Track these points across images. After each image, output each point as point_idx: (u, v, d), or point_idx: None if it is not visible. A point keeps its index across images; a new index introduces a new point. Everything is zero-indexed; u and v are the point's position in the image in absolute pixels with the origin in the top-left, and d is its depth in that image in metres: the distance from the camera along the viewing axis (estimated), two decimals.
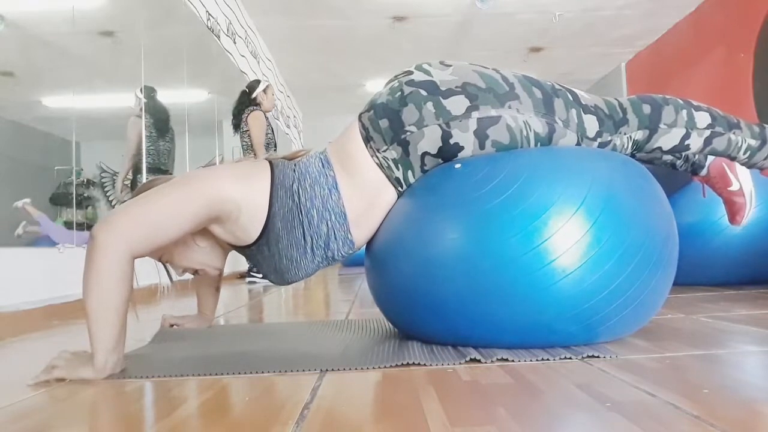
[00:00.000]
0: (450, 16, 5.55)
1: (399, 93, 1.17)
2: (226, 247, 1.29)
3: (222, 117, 4.69)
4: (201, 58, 4.35)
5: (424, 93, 1.14)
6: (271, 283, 3.91)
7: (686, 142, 1.25)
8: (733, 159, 1.34)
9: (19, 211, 2.42)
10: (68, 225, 2.77)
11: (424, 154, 1.16)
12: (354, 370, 0.99)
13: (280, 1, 5.03)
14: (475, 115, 1.13)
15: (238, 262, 4.53)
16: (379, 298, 1.28)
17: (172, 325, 1.58)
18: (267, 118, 3.92)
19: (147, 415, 0.79)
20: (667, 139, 1.24)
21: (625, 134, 1.22)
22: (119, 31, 3.38)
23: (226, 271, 1.69)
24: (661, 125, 1.23)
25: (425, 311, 1.11)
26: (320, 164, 1.20)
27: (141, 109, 3.35)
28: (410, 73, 1.20)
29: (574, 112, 1.18)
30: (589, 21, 5.73)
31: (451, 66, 1.19)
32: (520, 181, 1.03)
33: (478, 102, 1.13)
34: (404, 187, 1.20)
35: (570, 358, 0.98)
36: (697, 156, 1.74)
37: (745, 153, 1.32)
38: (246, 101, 3.89)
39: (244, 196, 1.14)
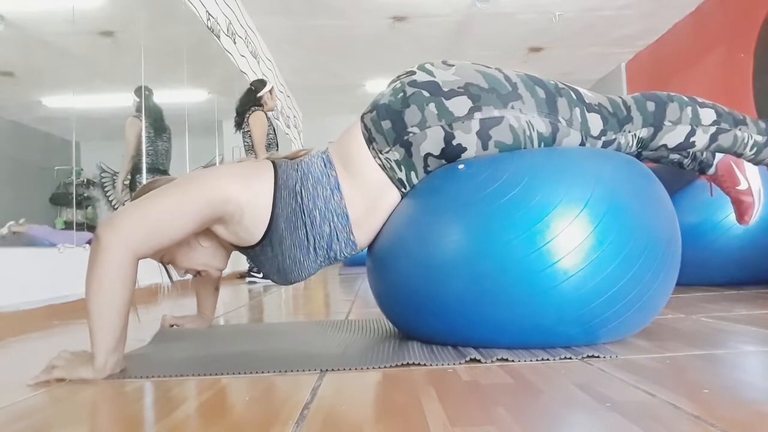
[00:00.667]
0: (450, 16, 5.55)
1: (401, 94, 1.16)
2: (229, 247, 1.29)
3: (222, 117, 4.69)
4: (201, 58, 4.35)
5: (426, 94, 1.14)
6: (271, 283, 3.92)
7: (691, 139, 1.24)
8: (739, 156, 1.33)
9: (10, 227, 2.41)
10: (68, 225, 2.77)
11: (427, 155, 1.16)
12: (354, 370, 0.99)
13: (280, 1, 5.03)
14: (478, 116, 1.12)
15: (238, 262, 4.53)
16: (380, 298, 1.28)
17: (172, 325, 1.58)
18: (269, 119, 3.93)
19: (147, 415, 0.79)
20: (672, 137, 1.23)
21: (629, 132, 1.21)
22: (119, 31, 3.38)
23: (226, 271, 1.69)
24: (666, 122, 1.22)
25: (427, 312, 1.11)
26: (322, 164, 1.20)
27: (136, 110, 3.35)
28: (413, 73, 1.20)
29: (577, 110, 1.17)
30: (589, 21, 5.73)
31: (453, 66, 1.18)
32: (523, 183, 1.03)
33: (480, 103, 1.13)
34: (407, 188, 1.20)
35: (570, 358, 0.98)
36: (704, 154, 1.73)
37: (751, 149, 1.31)
38: (251, 100, 3.88)
39: (248, 197, 1.14)
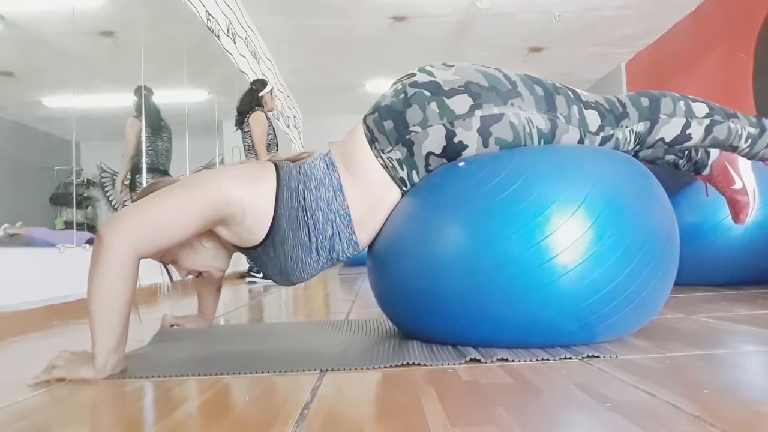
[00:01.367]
0: (450, 16, 5.55)
1: (403, 95, 1.18)
2: (231, 248, 1.29)
3: (222, 117, 4.70)
4: (201, 58, 4.35)
5: (427, 93, 1.16)
6: (271, 283, 3.92)
7: (687, 131, 1.26)
8: (734, 149, 1.35)
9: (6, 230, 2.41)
10: (68, 225, 2.77)
11: (429, 153, 1.17)
12: (354, 370, 0.99)
13: (280, 1, 5.03)
14: (478, 113, 1.14)
15: (238, 262, 4.54)
16: (380, 297, 1.28)
17: (172, 325, 1.58)
18: (269, 119, 3.93)
19: (147, 415, 0.79)
20: (668, 129, 1.25)
21: (626, 127, 1.23)
22: (119, 31, 3.38)
23: (227, 271, 1.69)
24: (661, 115, 1.24)
25: (426, 309, 1.11)
26: (325, 166, 1.21)
27: (136, 110, 3.35)
28: (413, 75, 1.21)
29: (575, 108, 1.19)
30: (589, 21, 5.73)
31: (453, 66, 1.20)
32: (522, 179, 1.04)
33: (481, 100, 1.14)
34: (408, 187, 1.21)
35: (570, 358, 0.98)
36: (699, 154, 1.74)
37: (746, 141, 1.33)
38: (253, 100, 3.88)
39: (250, 198, 1.14)
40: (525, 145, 1.16)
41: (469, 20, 5.64)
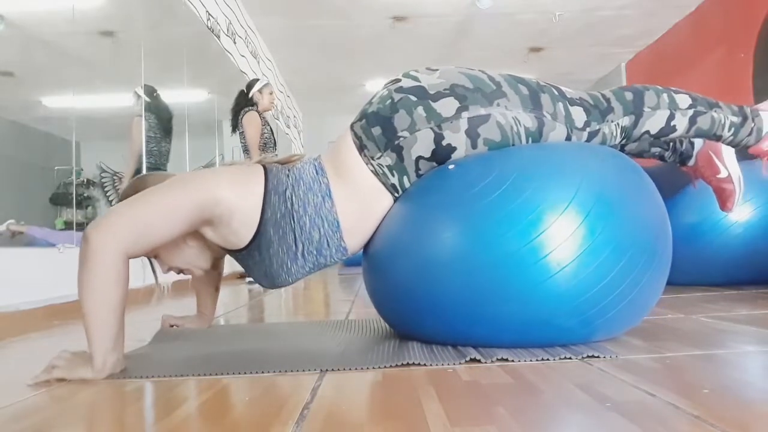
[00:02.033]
0: (450, 16, 5.55)
1: (389, 101, 1.18)
2: (216, 249, 1.28)
3: (222, 117, 4.69)
4: (201, 58, 4.35)
5: (413, 98, 1.16)
6: None
7: (672, 123, 1.27)
8: (719, 138, 1.37)
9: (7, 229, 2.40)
10: (68, 225, 2.77)
11: (419, 158, 1.17)
12: (354, 370, 0.99)
13: (280, 1, 5.03)
14: (465, 115, 1.14)
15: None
16: (376, 300, 1.28)
17: (172, 326, 1.58)
18: (264, 118, 3.92)
19: (147, 415, 0.79)
20: (653, 122, 1.26)
21: (612, 122, 1.24)
22: (119, 31, 3.38)
23: (226, 271, 1.69)
24: (645, 108, 1.25)
25: (423, 311, 1.11)
26: (314, 171, 1.20)
27: (145, 109, 3.35)
28: (398, 80, 1.22)
29: (560, 105, 1.20)
30: (589, 21, 5.73)
31: (437, 70, 1.21)
32: (512, 178, 1.05)
33: (467, 102, 1.15)
34: (400, 192, 1.21)
35: (570, 358, 0.98)
36: (684, 145, 1.75)
37: (729, 130, 1.35)
38: (242, 101, 3.89)
39: (237, 201, 1.14)
40: (513, 145, 1.17)
41: (469, 20, 5.64)
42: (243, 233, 1.17)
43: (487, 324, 1.05)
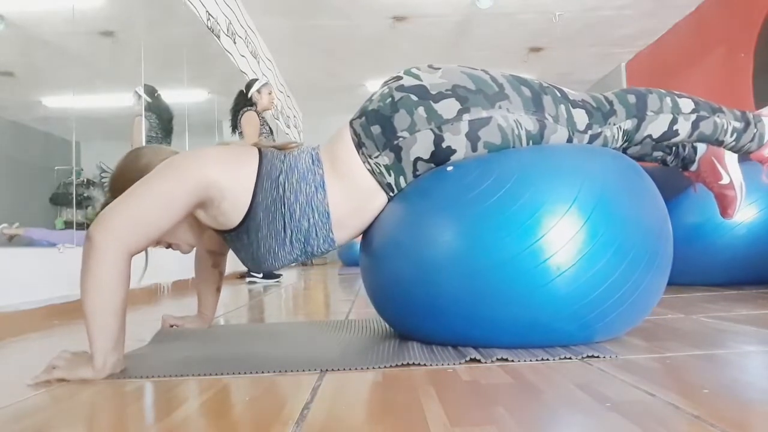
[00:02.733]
0: (450, 16, 5.55)
1: (390, 99, 1.17)
2: (204, 226, 1.27)
3: (222, 117, 4.69)
4: (201, 58, 4.35)
5: (414, 98, 1.15)
6: (271, 283, 3.92)
7: (674, 127, 1.26)
8: (721, 144, 1.36)
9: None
10: (68, 225, 2.77)
11: (417, 159, 1.16)
12: (354, 370, 0.99)
13: (280, 1, 5.03)
14: (466, 117, 1.13)
15: (238, 262, 4.53)
16: (376, 301, 1.27)
17: (172, 326, 1.58)
18: (263, 118, 3.93)
19: (147, 415, 0.79)
20: (655, 126, 1.25)
21: (614, 125, 1.23)
22: (119, 31, 3.38)
23: (226, 271, 1.69)
24: (648, 112, 1.24)
25: (422, 314, 1.11)
26: (310, 160, 1.19)
27: (146, 109, 3.34)
28: (399, 78, 1.20)
29: (563, 107, 1.19)
30: (589, 21, 5.73)
31: (440, 69, 1.19)
32: (512, 181, 1.04)
33: (468, 104, 1.13)
34: (395, 192, 1.20)
35: (570, 358, 0.98)
36: (687, 150, 1.75)
37: (732, 135, 1.34)
38: (241, 101, 3.89)
39: (229, 182, 1.14)
40: (514, 147, 1.15)
41: (469, 20, 5.64)
42: (233, 215, 1.16)
43: (486, 327, 1.04)
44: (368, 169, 1.18)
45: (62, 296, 2.15)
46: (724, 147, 1.38)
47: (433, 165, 1.17)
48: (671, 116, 1.26)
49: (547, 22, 5.67)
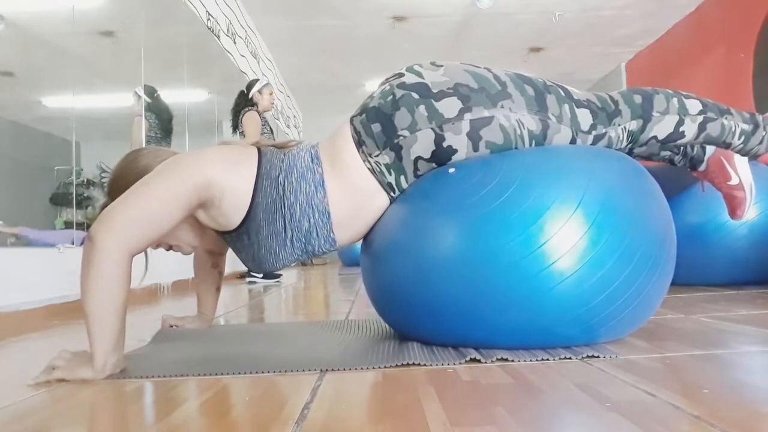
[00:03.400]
0: (450, 16, 5.55)
1: (391, 96, 1.16)
2: (205, 227, 1.27)
3: (222, 117, 4.69)
4: (201, 58, 4.35)
5: (416, 96, 1.13)
6: (271, 283, 3.92)
7: (681, 129, 1.25)
8: (728, 146, 1.34)
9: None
10: (68, 225, 2.77)
11: (418, 158, 1.15)
12: (354, 370, 0.99)
13: (280, 1, 5.03)
14: (468, 116, 1.12)
15: (238, 263, 4.53)
16: (377, 302, 1.27)
17: (171, 326, 1.58)
18: (264, 118, 3.93)
19: (147, 415, 0.79)
20: (661, 128, 1.24)
21: (619, 125, 1.21)
22: (119, 31, 3.38)
23: (226, 271, 1.69)
24: (654, 113, 1.22)
25: (423, 317, 1.10)
26: (310, 159, 1.19)
27: (146, 110, 3.34)
28: (401, 75, 1.19)
29: (566, 107, 1.17)
30: (589, 21, 5.73)
31: (442, 66, 1.18)
32: (516, 185, 1.03)
33: (470, 103, 1.12)
34: (396, 192, 1.19)
35: (570, 358, 0.98)
36: (695, 150, 1.73)
37: (740, 138, 1.32)
38: (243, 101, 3.90)
39: (229, 182, 1.13)
40: (516, 148, 1.14)
41: (469, 20, 5.64)
42: (233, 216, 1.16)
43: (488, 331, 1.04)
44: (368, 168, 1.17)
45: (62, 296, 2.15)
46: (731, 149, 1.36)
47: (434, 164, 1.16)
48: (677, 117, 1.24)
49: (547, 22, 5.67)
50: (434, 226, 1.08)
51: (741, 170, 1.65)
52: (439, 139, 1.13)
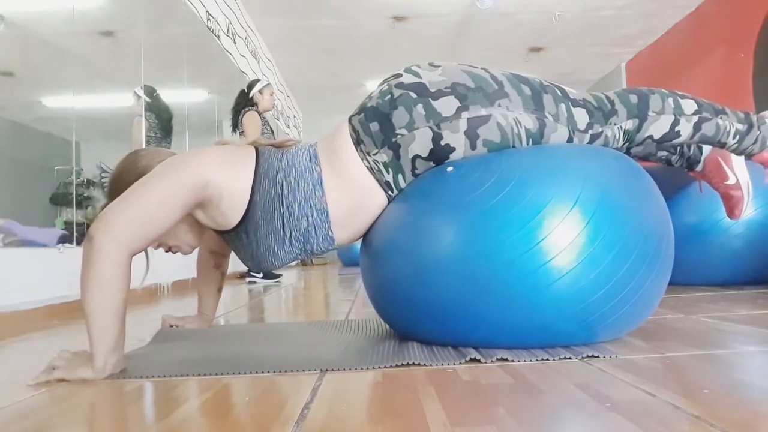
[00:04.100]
0: (450, 16, 5.55)
1: (389, 96, 1.17)
2: (205, 227, 1.27)
3: (222, 117, 4.70)
4: (201, 58, 4.35)
5: (413, 95, 1.14)
6: (271, 283, 3.92)
7: (676, 129, 1.26)
8: (723, 146, 1.35)
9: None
10: (68, 224, 2.77)
11: (415, 157, 1.16)
12: (354, 370, 0.99)
13: (280, 1, 5.03)
14: (465, 115, 1.13)
15: (238, 263, 4.53)
16: (376, 301, 1.27)
17: (171, 326, 1.58)
18: (264, 118, 3.93)
19: (147, 415, 0.79)
20: (657, 127, 1.25)
21: (615, 125, 1.22)
22: (119, 31, 3.38)
23: (226, 259, 1.68)
24: (650, 113, 1.24)
25: (423, 315, 1.11)
26: (308, 158, 1.19)
27: (146, 110, 3.34)
28: (399, 75, 1.20)
29: (563, 106, 1.18)
30: (589, 21, 5.74)
31: (439, 67, 1.19)
32: (513, 182, 1.03)
33: (468, 102, 1.13)
34: (394, 191, 1.20)
35: (570, 358, 0.98)
36: (692, 150, 1.74)
37: (734, 138, 1.33)
38: (243, 101, 3.90)
39: (227, 182, 1.14)
40: (513, 146, 1.15)
41: (469, 20, 5.64)
42: (231, 215, 1.17)
43: (487, 329, 1.04)
44: (366, 167, 1.18)
45: (62, 296, 2.15)
46: (726, 149, 1.37)
47: (432, 163, 1.17)
48: (673, 117, 1.25)
49: (547, 22, 5.67)
50: (432, 224, 1.08)
51: (738, 170, 1.66)
52: (437, 138, 1.13)
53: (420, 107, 1.13)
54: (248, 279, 4.13)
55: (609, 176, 1.07)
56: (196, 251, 1.49)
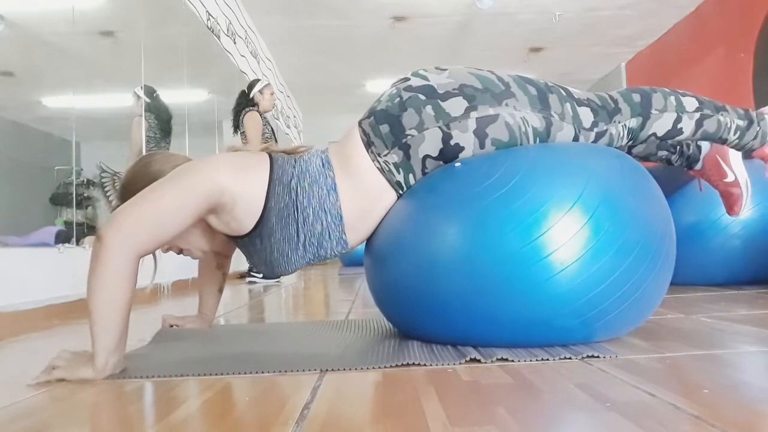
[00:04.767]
0: (450, 16, 5.55)
1: (398, 99, 1.18)
2: (217, 232, 1.27)
3: (222, 117, 4.70)
4: (201, 58, 4.35)
5: (422, 97, 1.16)
6: (271, 283, 3.92)
7: (679, 126, 1.28)
8: (724, 142, 1.37)
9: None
10: (68, 225, 2.77)
11: (426, 157, 1.17)
12: (354, 370, 0.99)
13: (280, 1, 5.03)
14: (474, 115, 1.14)
15: (238, 262, 4.53)
16: (378, 297, 1.28)
17: (172, 326, 1.58)
18: (265, 119, 3.93)
19: (147, 415, 0.79)
20: (660, 125, 1.27)
21: (619, 123, 1.24)
22: (119, 31, 3.38)
23: (230, 261, 1.68)
24: (653, 111, 1.26)
25: (425, 308, 1.11)
26: (321, 164, 1.21)
27: (145, 110, 3.34)
28: (407, 79, 1.22)
29: (568, 105, 1.20)
30: (589, 21, 5.74)
31: (446, 70, 1.21)
32: (518, 177, 1.05)
33: (476, 102, 1.15)
34: (404, 190, 1.21)
35: (570, 358, 0.98)
36: (691, 148, 1.75)
37: (735, 133, 1.35)
38: (244, 101, 3.90)
39: (241, 189, 1.14)
40: (521, 145, 1.17)
41: (469, 20, 5.64)
42: (246, 221, 1.17)
43: (487, 323, 1.05)
44: (377, 168, 1.19)
45: (62, 296, 2.15)
46: (727, 145, 1.40)
47: (441, 162, 1.18)
48: (675, 115, 1.27)
49: (547, 22, 5.67)
50: (435, 218, 1.09)
51: (736, 167, 1.67)
52: (446, 137, 1.15)
53: (429, 108, 1.15)
54: (248, 279, 4.13)
55: (612, 174, 1.09)
56: None
